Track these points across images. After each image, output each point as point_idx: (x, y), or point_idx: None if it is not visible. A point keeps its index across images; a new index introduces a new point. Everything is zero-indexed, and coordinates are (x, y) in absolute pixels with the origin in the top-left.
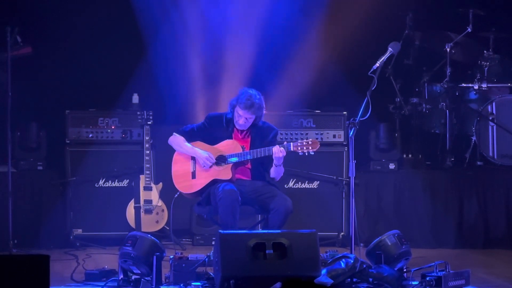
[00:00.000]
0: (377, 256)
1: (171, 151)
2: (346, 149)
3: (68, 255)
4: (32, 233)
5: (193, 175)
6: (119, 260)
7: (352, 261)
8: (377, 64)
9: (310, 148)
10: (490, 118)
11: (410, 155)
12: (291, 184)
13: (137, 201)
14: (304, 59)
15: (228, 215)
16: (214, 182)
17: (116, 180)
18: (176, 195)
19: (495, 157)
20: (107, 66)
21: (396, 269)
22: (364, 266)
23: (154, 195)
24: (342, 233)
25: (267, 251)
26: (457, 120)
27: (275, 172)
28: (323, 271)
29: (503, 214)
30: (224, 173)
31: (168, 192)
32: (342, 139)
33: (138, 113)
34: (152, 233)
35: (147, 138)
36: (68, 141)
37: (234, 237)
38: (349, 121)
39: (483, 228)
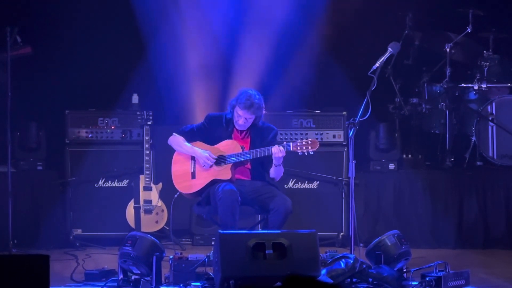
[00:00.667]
0: (377, 256)
1: (171, 151)
2: (346, 149)
3: (68, 255)
4: (32, 233)
5: (193, 175)
6: (118, 260)
7: (352, 261)
8: (377, 64)
9: (309, 148)
10: (490, 118)
11: (410, 155)
12: (291, 184)
13: (137, 201)
14: (304, 59)
15: (228, 215)
16: (214, 182)
17: (116, 180)
18: (176, 195)
19: (495, 157)
20: (107, 66)
21: (396, 269)
22: (364, 266)
23: (153, 195)
24: (342, 233)
25: (267, 251)
26: (457, 120)
27: (274, 172)
28: (323, 271)
29: (503, 214)
30: (224, 173)
31: (168, 192)
32: (342, 139)
33: (138, 113)
34: (151, 233)
35: (147, 138)
36: (68, 141)
37: (234, 237)
38: (349, 121)
39: (483, 228)
